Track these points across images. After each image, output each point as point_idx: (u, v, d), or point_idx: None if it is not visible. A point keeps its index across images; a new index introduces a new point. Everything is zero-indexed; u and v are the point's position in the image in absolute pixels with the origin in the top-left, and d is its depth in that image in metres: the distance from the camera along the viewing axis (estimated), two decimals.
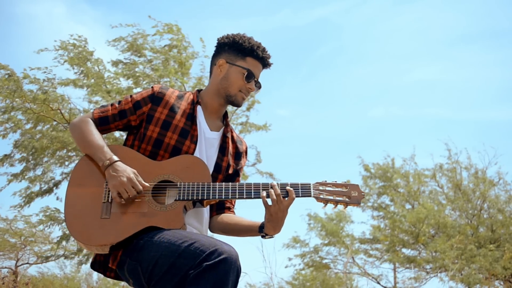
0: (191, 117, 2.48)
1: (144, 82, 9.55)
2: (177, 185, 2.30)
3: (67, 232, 9.28)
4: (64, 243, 9.61)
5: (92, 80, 9.11)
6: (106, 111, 2.49)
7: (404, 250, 14.04)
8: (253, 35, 2.57)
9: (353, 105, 23.41)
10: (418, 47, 23.48)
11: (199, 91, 2.62)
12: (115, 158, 2.31)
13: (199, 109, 2.54)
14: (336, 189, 2.42)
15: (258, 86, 2.57)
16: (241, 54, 2.51)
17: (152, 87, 2.52)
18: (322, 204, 2.42)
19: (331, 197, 2.39)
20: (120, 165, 2.29)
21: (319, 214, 14.47)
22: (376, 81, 23.41)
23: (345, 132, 24.05)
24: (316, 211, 14.95)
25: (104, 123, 2.48)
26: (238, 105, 2.56)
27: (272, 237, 2.42)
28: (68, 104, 9.09)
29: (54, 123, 9.20)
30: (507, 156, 18.58)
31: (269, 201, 2.27)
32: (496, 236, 13.01)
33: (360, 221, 18.53)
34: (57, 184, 9.45)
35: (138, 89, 9.46)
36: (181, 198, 2.27)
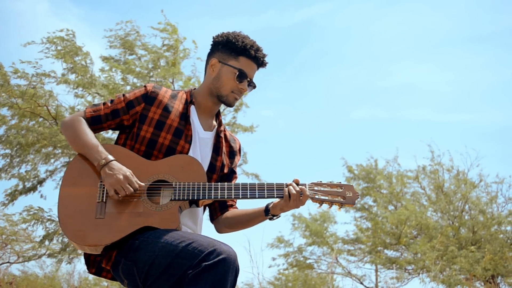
0: (185, 116, 2.47)
1: (134, 80, 9.51)
2: (172, 185, 2.29)
3: (50, 231, 9.19)
4: (46, 242, 9.51)
5: (80, 77, 9.01)
6: (98, 110, 2.46)
7: (386, 251, 14.16)
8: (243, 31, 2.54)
9: (336, 106, 23.55)
10: (401, 50, 23.71)
11: (192, 90, 2.61)
12: (111, 157, 2.30)
13: (192, 108, 2.53)
14: (331, 189, 2.44)
15: (252, 86, 2.54)
16: (234, 53, 2.48)
17: (145, 86, 2.49)
18: (317, 204, 2.46)
19: (326, 197, 2.42)
20: (116, 164, 2.28)
21: (303, 215, 14.53)
22: (359, 83, 23.60)
23: (328, 133, 24.19)
24: (301, 211, 15.03)
25: (96, 122, 2.46)
26: (230, 105, 2.55)
27: (279, 216, 2.47)
28: (55, 100, 9.00)
29: (40, 119, 9.11)
30: (488, 159, 18.87)
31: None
32: (477, 237, 13.17)
33: (344, 222, 18.68)
34: (41, 182, 9.35)
35: (127, 87, 9.40)
36: (176, 198, 2.27)
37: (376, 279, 14.59)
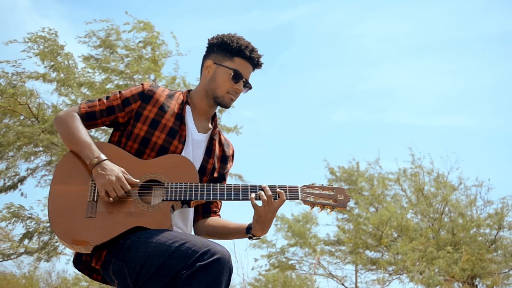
0: (180, 117, 2.45)
1: (116, 78, 9.42)
2: (164, 184, 2.28)
3: (31, 229, 9.07)
4: (26, 241, 9.39)
5: (62, 75, 8.91)
6: (93, 106, 2.43)
7: (367, 252, 14.26)
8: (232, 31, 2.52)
9: (317, 108, 23.65)
10: (383, 54, 23.89)
11: (189, 91, 2.59)
12: (103, 156, 2.27)
13: (188, 109, 2.51)
14: (323, 192, 2.44)
15: (248, 86, 2.52)
16: (229, 54, 2.47)
17: (142, 84, 2.47)
18: (308, 207, 2.46)
19: (318, 200, 2.42)
20: (108, 164, 2.26)
21: (286, 215, 14.56)
22: (341, 86, 23.73)
23: (310, 135, 24.26)
24: (283, 212, 15.06)
25: (91, 118, 2.42)
26: (226, 106, 2.52)
27: (260, 238, 2.42)
28: (37, 98, 8.88)
29: (22, 117, 8.98)
30: (468, 162, 19.13)
31: (258, 203, 2.28)
32: (456, 239, 13.34)
33: (326, 223, 18.74)
34: (22, 180, 9.23)
35: (110, 86, 9.31)
36: (168, 198, 2.25)
37: (356, 279, 14.69)
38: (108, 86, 9.69)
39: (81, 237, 2.17)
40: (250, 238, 2.42)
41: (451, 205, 14.08)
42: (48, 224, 9.19)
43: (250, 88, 2.54)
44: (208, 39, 2.55)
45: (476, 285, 13.31)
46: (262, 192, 2.27)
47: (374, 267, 14.06)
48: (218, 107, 2.59)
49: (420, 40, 23.17)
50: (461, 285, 12.93)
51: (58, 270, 16.61)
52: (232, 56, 2.47)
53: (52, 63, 8.97)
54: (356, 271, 14.67)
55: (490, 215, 13.65)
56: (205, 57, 2.55)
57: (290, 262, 14.75)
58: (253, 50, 2.48)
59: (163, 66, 9.97)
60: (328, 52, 23.92)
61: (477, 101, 22.88)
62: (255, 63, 2.51)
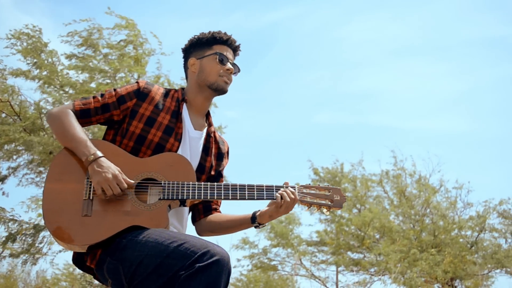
0: (176, 114, 2.43)
1: (99, 77, 9.32)
2: (160, 183, 2.25)
3: (13, 231, 8.92)
4: (9, 243, 9.23)
5: (45, 72, 8.78)
6: (88, 104, 2.39)
7: (349, 253, 14.33)
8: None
9: (299, 109, 23.77)
10: (365, 56, 24.10)
11: (183, 88, 2.58)
12: (99, 153, 2.24)
13: (184, 106, 2.51)
14: (320, 192, 2.45)
15: (237, 68, 2.57)
16: (206, 45, 2.52)
17: (137, 82, 2.45)
18: (305, 207, 2.46)
19: (315, 201, 2.43)
20: (105, 161, 2.22)
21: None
22: (323, 87, 23.86)
23: (292, 135, 24.38)
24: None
25: (85, 115, 2.39)
26: (222, 89, 2.52)
27: (265, 225, 2.47)
28: (19, 96, 8.74)
29: (3, 115, 8.83)
30: (449, 164, 19.39)
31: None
32: (437, 241, 13.47)
33: (308, 224, 18.79)
34: (3, 179, 9.07)
35: (93, 85, 9.21)
36: (165, 197, 2.23)
37: (337, 280, 14.75)
38: (91, 85, 9.60)
39: (77, 235, 2.13)
40: (256, 227, 2.46)
41: (433, 207, 14.22)
42: (32, 226, 9.06)
43: (239, 70, 2.59)
44: (182, 48, 2.62)
45: (456, 287, 13.46)
46: (285, 194, 2.32)
47: (356, 268, 14.14)
48: (213, 102, 2.59)
49: (402, 43, 23.45)
50: (441, 287, 13.06)
51: (38, 270, 16.40)
52: (210, 45, 2.53)
53: (35, 61, 8.83)
54: (337, 272, 14.73)
55: (472, 217, 13.82)
56: (186, 59, 2.60)
57: (273, 262, 14.76)
58: (226, 35, 2.55)
59: (146, 65, 9.89)
60: (311, 54, 24.07)
61: (458, 104, 23.20)
62: (233, 46, 2.58)
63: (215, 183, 2.31)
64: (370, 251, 13.56)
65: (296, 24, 24.30)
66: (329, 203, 2.44)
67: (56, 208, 2.18)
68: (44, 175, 10.39)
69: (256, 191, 2.33)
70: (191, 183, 2.27)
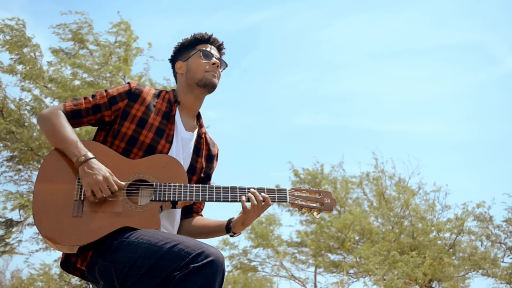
0: (167, 116, 2.43)
1: (84, 75, 9.23)
2: (152, 185, 2.25)
3: None
4: None
5: (28, 67, 8.65)
6: (79, 105, 2.38)
7: (329, 255, 14.41)
8: (186, 35, 2.62)
9: (280, 111, 23.85)
10: (346, 59, 24.28)
11: (173, 90, 2.58)
12: (90, 155, 2.22)
13: (176, 108, 2.50)
14: (310, 195, 2.47)
15: (224, 62, 2.60)
16: (190, 47, 2.56)
17: (128, 83, 2.45)
18: (296, 209, 2.49)
19: (305, 203, 2.45)
20: (95, 163, 2.21)
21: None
22: (304, 89, 23.96)
23: (272, 136, 24.43)
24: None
25: (76, 116, 2.37)
26: (211, 83, 2.51)
27: (240, 234, 2.48)
28: (2, 91, 8.59)
29: None
30: (429, 167, 19.64)
31: (247, 205, 2.31)
32: (416, 243, 13.63)
33: (288, 225, 18.87)
34: None
35: (77, 82, 9.11)
36: (157, 199, 2.22)
37: (315, 281, 14.82)
38: (76, 83, 9.50)
39: (68, 236, 2.11)
40: (231, 236, 2.48)
41: (412, 209, 14.38)
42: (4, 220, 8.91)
43: (226, 65, 2.62)
44: (169, 59, 2.65)
45: None
46: (253, 197, 2.31)
47: (335, 269, 14.22)
48: (204, 102, 2.59)
49: (383, 47, 23.67)
50: None
51: (13, 270, 16.14)
52: (193, 46, 2.57)
53: (18, 56, 8.69)
54: (316, 273, 14.80)
55: (450, 219, 14.01)
56: (174, 63, 2.63)
57: (253, 263, 14.77)
58: (207, 34, 2.59)
59: (132, 65, 9.85)
60: (292, 56, 24.16)
61: (437, 108, 23.51)
62: (216, 44, 2.61)
63: (207, 185, 2.31)
64: (350, 253, 13.66)
65: (278, 26, 24.38)
66: (320, 206, 2.46)
67: (46, 209, 2.16)
68: (24, 173, 10.25)
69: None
70: (182, 185, 2.27)
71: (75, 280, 11.73)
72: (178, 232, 2.55)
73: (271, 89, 23.97)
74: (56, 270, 13.04)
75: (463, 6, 22.95)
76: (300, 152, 23.85)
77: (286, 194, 2.39)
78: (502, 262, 14.24)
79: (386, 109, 23.52)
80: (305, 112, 23.90)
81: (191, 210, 2.57)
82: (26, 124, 9.26)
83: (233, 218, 2.44)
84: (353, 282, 14.41)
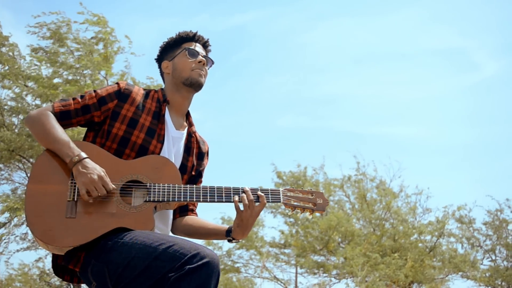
0: (157, 115, 2.42)
1: (65, 73, 9.12)
2: (146, 185, 2.24)
3: None
4: None
5: (7, 67, 8.53)
6: (68, 105, 2.35)
7: (312, 256, 14.46)
8: (170, 35, 2.62)
9: (262, 112, 23.87)
10: (328, 62, 24.41)
11: (162, 89, 2.56)
12: (84, 155, 2.20)
13: (166, 107, 2.50)
14: (303, 195, 2.48)
15: (210, 60, 2.60)
16: (175, 46, 2.55)
17: (117, 83, 2.43)
18: (288, 209, 2.49)
19: (299, 204, 2.46)
20: (90, 162, 2.19)
21: (233, 218, 14.52)
22: (286, 91, 24.01)
23: (255, 138, 24.44)
24: (230, 214, 15.03)
25: (65, 117, 2.35)
26: (198, 82, 2.49)
27: (239, 241, 2.44)
28: None
29: None
30: (410, 170, 19.82)
31: (240, 206, 2.29)
32: (397, 245, 13.76)
33: (271, 226, 18.86)
34: None
35: (58, 80, 9.01)
36: (151, 200, 2.21)
37: (296, 282, 14.86)
38: (56, 81, 9.39)
39: (62, 238, 2.09)
40: (229, 241, 2.44)
41: (393, 212, 14.51)
42: None
43: (212, 62, 2.62)
44: (155, 59, 2.64)
45: None
46: (244, 196, 2.29)
47: (318, 270, 14.28)
48: (193, 101, 2.58)
49: (365, 51, 23.87)
50: None
51: None
52: (179, 45, 2.56)
53: None
54: (296, 274, 14.84)
55: (431, 222, 14.17)
56: (160, 63, 2.61)
57: (236, 265, 14.76)
58: (192, 32, 2.58)
59: (114, 63, 9.77)
60: (276, 58, 24.22)
61: (418, 112, 23.76)
62: (202, 41, 2.60)
63: (201, 186, 2.31)
64: (333, 254, 13.73)
65: (262, 28, 24.43)
66: (312, 206, 2.47)
67: (39, 210, 2.13)
68: (4, 172, 10.11)
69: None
70: (176, 185, 2.27)
71: (55, 280, 11.60)
72: (173, 230, 2.55)
73: (254, 90, 24.02)
74: (35, 270, 12.89)
75: (445, 12, 23.27)
76: (282, 154, 23.92)
77: (279, 195, 2.39)
78: (482, 264, 14.48)
79: (368, 112, 23.71)
80: (288, 114, 23.98)
81: (186, 209, 2.56)
82: (7, 123, 9.15)
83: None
84: (334, 284, 14.51)
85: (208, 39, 2.62)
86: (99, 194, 2.15)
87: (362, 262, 12.06)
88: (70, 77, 9.44)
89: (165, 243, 2.00)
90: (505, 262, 14.40)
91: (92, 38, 9.37)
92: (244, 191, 2.30)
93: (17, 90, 9.24)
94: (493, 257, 14.55)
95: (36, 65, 9.20)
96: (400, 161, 20.43)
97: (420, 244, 13.87)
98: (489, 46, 22.82)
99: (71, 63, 9.12)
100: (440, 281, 13.93)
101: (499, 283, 13.70)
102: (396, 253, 13.10)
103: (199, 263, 1.92)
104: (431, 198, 16.79)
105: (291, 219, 14.91)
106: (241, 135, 24.13)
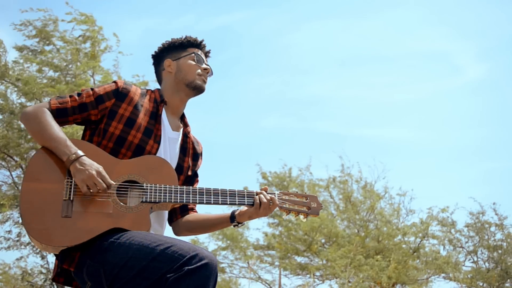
0: (154, 116, 2.42)
1: (50, 72, 9.04)
2: (142, 186, 2.23)
3: None
4: None
5: None
6: (65, 103, 2.34)
7: (296, 257, 14.51)
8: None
9: (247, 113, 23.87)
10: (313, 63, 24.49)
11: (158, 89, 2.56)
12: (80, 152, 2.20)
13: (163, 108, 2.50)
14: (297, 199, 2.52)
15: (211, 71, 2.62)
16: (181, 48, 2.56)
17: (115, 82, 2.42)
18: (283, 213, 2.52)
19: (293, 207, 2.49)
20: (87, 160, 2.19)
21: None
22: (271, 92, 24.04)
23: (239, 139, 24.43)
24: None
25: (62, 115, 2.33)
26: (200, 88, 2.54)
27: (244, 224, 2.52)
28: None
29: None
30: (394, 172, 19.96)
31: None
32: (381, 247, 13.86)
33: (256, 228, 18.90)
34: None
35: (44, 80, 8.92)
36: (148, 200, 2.21)
37: (280, 282, 14.89)
38: (42, 81, 9.30)
39: (58, 238, 2.08)
40: (235, 226, 2.51)
41: (378, 213, 14.61)
42: None
43: (212, 73, 2.64)
44: (152, 55, 2.64)
45: None
46: (262, 196, 2.38)
47: (302, 272, 14.33)
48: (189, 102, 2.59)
49: (350, 53, 24.01)
50: None
51: None
52: (185, 48, 2.58)
53: None
54: (280, 275, 14.88)
55: (415, 224, 14.30)
56: (160, 63, 2.61)
57: (221, 265, 14.74)
58: (198, 39, 2.63)
59: (101, 62, 9.71)
60: (260, 59, 24.25)
61: (402, 114, 23.94)
62: (205, 50, 2.65)
63: (197, 187, 2.32)
64: (317, 255, 13.78)
65: (247, 29, 24.46)
66: (307, 210, 2.50)
67: (35, 209, 2.12)
68: None
69: (238, 197, 2.37)
70: (173, 186, 2.27)
71: (37, 279, 11.49)
72: (177, 231, 2.57)
73: (239, 91, 24.03)
74: (16, 270, 12.75)
75: (429, 15, 23.47)
76: (267, 154, 23.97)
77: (274, 197, 2.42)
78: (464, 266, 14.66)
79: (352, 114, 23.84)
80: (272, 115, 24.02)
81: (186, 208, 2.58)
82: None
83: (236, 210, 2.48)
84: (318, 285, 14.57)
85: (210, 50, 2.66)
86: (100, 188, 2.14)
87: (345, 263, 12.12)
88: (56, 76, 9.37)
89: (163, 244, 2.00)
90: (486, 264, 14.60)
91: (79, 36, 9.28)
92: (257, 193, 2.39)
93: (1, 87, 9.15)
94: (475, 259, 14.74)
95: (19, 63, 9.10)
96: (384, 163, 20.58)
97: (404, 246, 13.98)
98: (472, 50, 23.13)
99: (58, 63, 9.03)
100: (423, 282, 14.06)
101: (481, 284, 13.88)
102: (380, 255, 13.18)
103: (198, 264, 1.92)
104: (414, 200, 16.92)
105: (275, 220, 14.93)
106: (226, 135, 24.13)
